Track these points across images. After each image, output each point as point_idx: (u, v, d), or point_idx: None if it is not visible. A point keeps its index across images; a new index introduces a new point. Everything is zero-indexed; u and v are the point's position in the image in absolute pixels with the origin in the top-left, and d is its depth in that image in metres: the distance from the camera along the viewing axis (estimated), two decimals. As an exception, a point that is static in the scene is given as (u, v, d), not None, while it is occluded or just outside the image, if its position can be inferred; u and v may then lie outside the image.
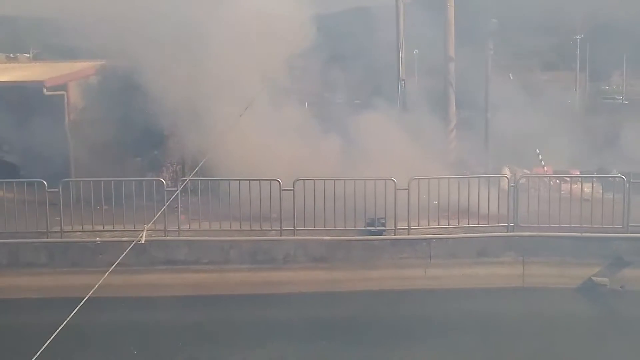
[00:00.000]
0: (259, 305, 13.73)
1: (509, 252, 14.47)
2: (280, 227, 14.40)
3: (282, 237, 14.41)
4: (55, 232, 14.30)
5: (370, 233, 14.51)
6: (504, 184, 15.57)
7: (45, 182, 14.13)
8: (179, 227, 14.35)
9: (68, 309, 7.99)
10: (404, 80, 20.13)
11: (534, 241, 14.45)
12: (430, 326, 13.09)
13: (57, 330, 7.51)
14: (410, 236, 14.47)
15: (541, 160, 20.08)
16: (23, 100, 17.00)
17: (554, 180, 17.01)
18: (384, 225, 14.52)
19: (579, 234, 14.38)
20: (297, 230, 14.42)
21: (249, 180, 14.49)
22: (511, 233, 14.54)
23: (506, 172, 17.97)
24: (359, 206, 14.32)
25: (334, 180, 14.40)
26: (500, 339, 12.56)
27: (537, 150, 20.16)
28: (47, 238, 14.28)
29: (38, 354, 7.06)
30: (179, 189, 14.08)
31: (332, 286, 14.08)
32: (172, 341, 12.45)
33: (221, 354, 12.06)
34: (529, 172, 18.86)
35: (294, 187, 14.29)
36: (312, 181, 14.41)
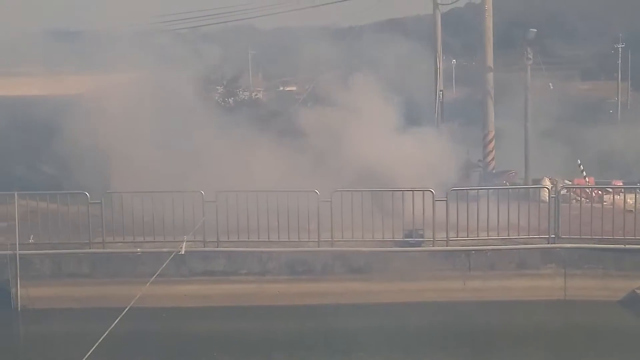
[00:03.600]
0: (297, 316, 13.73)
1: (550, 264, 14.25)
2: (318, 238, 14.41)
3: (320, 249, 14.41)
4: (98, 243, 14.52)
5: (409, 244, 14.43)
6: (545, 195, 15.37)
7: (87, 194, 14.37)
8: (217, 238, 14.45)
9: (110, 319, 8.11)
10: (442, 90, 20.08)
11: (575, 253, 14.21)
12: (469, 339, 12.95)
13: (100, 340, 7.62)
14: (448, 247, 14.35)
15: (582, 171, 19.78)
16: (64, 112, 17.31)
17: (596, 191, 16.71)
18: (422, 236, 14.43)
19: (622, 246, 14.11)
20: (335, 241, 14.41)
21: (287, 191, 14.55)
22: (552, 245, 14.33)
23: (547, 182, 17.74)
24: (396, 217, 14.26)
25: (372, 191, 14.37)
26: (541, 353, 12.37)
27: (579, 161, 19.87)
28: (90, 249, 14.51)
29: (81, 363, 7.17)
30: (217, 200, 14.22)
31: (370, 298, 14.02)
32: (209, 351, 12.51)
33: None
34: (570, 182, 18.60)
35: (331, 198, 14.30)
36: (350, 192, 14.40)
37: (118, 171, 15.84)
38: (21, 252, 14.14)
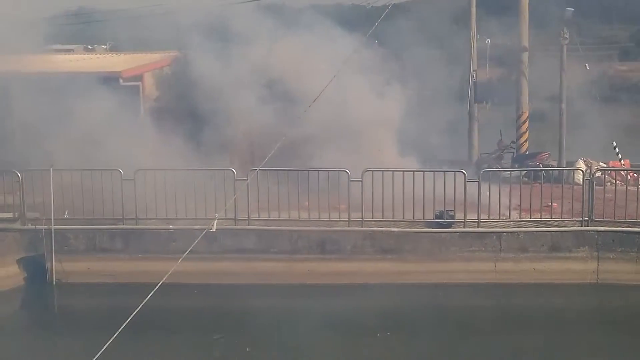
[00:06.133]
0: (326, 295, 13.81)
1: (583, 247, 14.09)
2: (349, 218, 14.42)
3: (350, 228, 14.43)
4: (131, 219, 14.71)
5: (439, 225, 14.38)
6: (579, 177, 15.16)
7: (121, 171, 14.54)
8: (248, 217, 14.55)
9: (142, 294, 8.21)
10: (475, 70, 19.85)
11: (609, 236, 14.03)
12: (499, 321, 12.90)
13: (132, 314, 7.73)
14: (479, 229, 14.27)
15: (618, 153, 19.46)
16: (100, 90, 17.48)
17: (631, 173, 16.45)
18: (452, 217, 14.36)
19: (657, 229, 13.91)
20: (365, 221, 14.42)
21: (318, 170, 14.58)
22: (585, 228, 14.16)
23: (581, 165, 17.52)
24: (427, 198, 14.20)
25: (403, 171, 14.32)
26: (573, 336, 12.28)
27: (614, 143, 19.55)
28: (123, 225, 14.71)
29: (114, 336, 7.29)
30: (249, 179, 14.28)
31: (400, 278, 14.02)
32: (239, 327, 12.66)
33: (288, 342, 12.19)
34: (605, 165, 18.33)
35: (362, 177, 14.29)
36: (381, 172, 14.37)
37: (150, 149, 15.99)
38: (56, 227, 14.40)
